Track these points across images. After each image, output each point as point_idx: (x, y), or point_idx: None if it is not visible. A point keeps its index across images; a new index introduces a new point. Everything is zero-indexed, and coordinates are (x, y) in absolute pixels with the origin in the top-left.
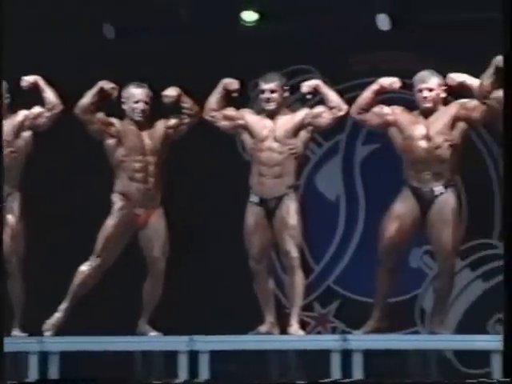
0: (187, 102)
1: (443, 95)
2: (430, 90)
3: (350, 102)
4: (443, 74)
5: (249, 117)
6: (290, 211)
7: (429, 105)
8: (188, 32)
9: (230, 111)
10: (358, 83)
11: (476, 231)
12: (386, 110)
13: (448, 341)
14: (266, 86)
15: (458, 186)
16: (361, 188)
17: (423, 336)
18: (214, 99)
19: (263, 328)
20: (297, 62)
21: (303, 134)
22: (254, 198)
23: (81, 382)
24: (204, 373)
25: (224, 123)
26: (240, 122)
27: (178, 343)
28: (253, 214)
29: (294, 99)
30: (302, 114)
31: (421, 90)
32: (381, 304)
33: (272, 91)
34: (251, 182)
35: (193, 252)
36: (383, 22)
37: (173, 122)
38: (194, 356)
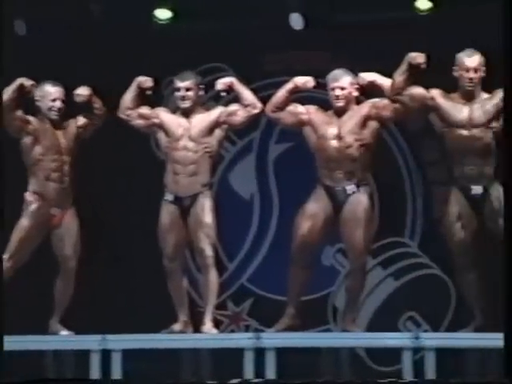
0: (97, 102)
1: (355, 94)
2: (342, 88)
3: (263, 100)
4: (356, 73)
5: (164, 116)
6: (205, 209)
7: (341, 104)
8: (101, 29)
9: (145, 110)
10: (271, 82)
11: (387, 230)
12: (301, 108)
13: (360, 338)
14: (181, 84)
15: (369, 185)
16: (274, 186)
17: (335, 334)
18: (128, 98)
19: (176, 327)
20: (211, 60)
21: (218, 133)
22: (168, 197)
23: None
24: (116, 372)
25: (139, 122)
26: (155, 120)
27: (91, 342)
28: (167, 213)
29: (209, 97)
30: (216, 112)
31: (333, 89)
32: (294, 302)
33: (187, 89)
34: (166, 181)
35: (106, 251)
36: (296, 21)
37: (82, 121)
38: (106, 355)
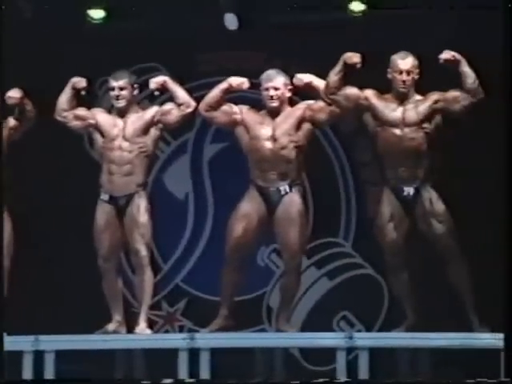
0: (28, 105)
1: (289, 95)
2: (276, 88)
3: (197, 100)
4: (291, 74)
5: (100, 116)
6: (140, 209)
7: (275, 104)
8: (32, 28)
9: (82, 111)
10: (205, 82)
11: (322, 230)
12: (234, 108)
13: (294, 338)
14: (115, 83)
15: (303, 186)
16: (209, 186)
17: (269, 334)
18: (64, 99)
19: (110, 327)
20: (145, 60)
21: (153, 132)
22: (104, 196)
23: (76, 382)
24: (49, 373)
25: (76, 123)
26: (91, 121)
27: (23, 343)
28: (103, 212)
29: (144, 97)
30: (151, 111)
31: (267, 89)
32: (227, 303)
33: (121, 88)
34: (101, 181)
35: (40, 251)
36: (231, 21)
37: (13, 123)
38: (39, 356)
